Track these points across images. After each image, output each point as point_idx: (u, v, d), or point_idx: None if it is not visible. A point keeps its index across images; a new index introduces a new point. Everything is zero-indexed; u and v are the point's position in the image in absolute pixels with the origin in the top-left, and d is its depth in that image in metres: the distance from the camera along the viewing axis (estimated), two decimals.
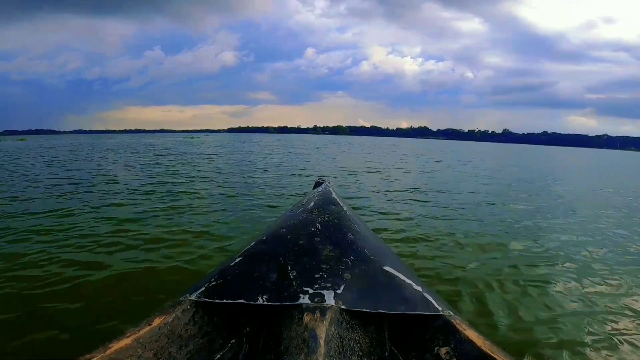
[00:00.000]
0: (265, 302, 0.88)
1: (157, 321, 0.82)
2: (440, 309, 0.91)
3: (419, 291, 0.95)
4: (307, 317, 0.81)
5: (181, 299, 0.91)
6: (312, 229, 1.13)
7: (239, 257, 1.04)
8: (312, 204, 1.31)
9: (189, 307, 0.89)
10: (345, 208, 1.33)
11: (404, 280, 0.97)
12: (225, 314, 0.94)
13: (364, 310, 0.88)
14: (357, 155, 18.12)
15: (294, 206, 1.45)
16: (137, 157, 13.67)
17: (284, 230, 1.15)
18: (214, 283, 0.94)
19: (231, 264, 1.01)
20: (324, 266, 0.97)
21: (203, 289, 0.93)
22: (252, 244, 1.11)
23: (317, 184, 1.71)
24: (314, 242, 1.07)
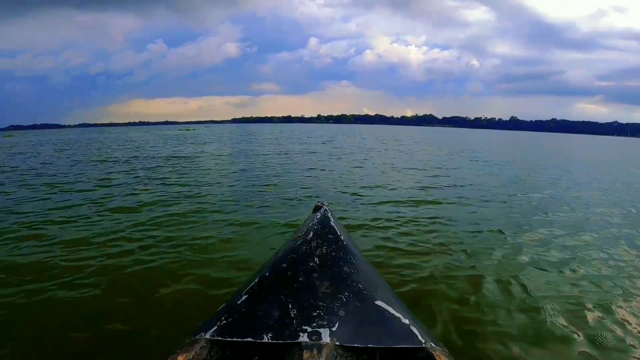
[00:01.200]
0: (269, 340, 1.00)
1: (180, 358, 0.94)
2: (423, 341, 1.01)
3: (406, 324, 1.06)
4: (305, 354, 0.93)
5: (197, 337, 1.03)
6: (311, 264, 1.24)
7: (244, 294, 1.16)
8: (310, 234, 1.40)
9: (205, 344, 1.01)
10: (342, 237, 1.42)
11: (393, 314, 1.09)
12: (235, 348, 1.05)
13: (356, 345, 1.00)
14: (383, 157, 13.07)
15: (294, 235, 1.53)
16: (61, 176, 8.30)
17: (285, 265, 1.26)
18: (224, 322, 1.06)
19: (238, 302, 1.13)
20: (321, 304, 1.09)
21: (216, 327, 1.05)
22: (256, 280, 1.22)
23: (316, 208, 1.71)
24: (311, 278, 1.18)
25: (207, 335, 1.03)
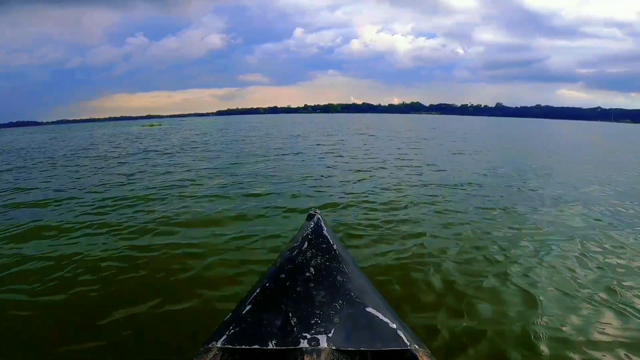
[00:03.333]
0: (274, 347, 1.11)
1: None
2: (408, 343, 1.14)
3: (393, 329, 1.19)
4: (306, 359, 1.05)
5: (210, 345, 1.14)
6: (307, 274, 1.35)
7: (248, 304, 1.27)
8: (305, 244, 1.50)
9: (217, 352, 1.12)
10: (335, 246, 1.52)
11: (382, 320, 1.21)
12: (244, 355, 1.17)
13: (350, 349, 1.12)
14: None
15: (289, 244, 1.62)
16: None
17: (283, 275, 1.37)
18: (232, 331, 1.18)
19: (243, 312, 1.25)
20: (318, 312, 1.21)
21: (225, 336, 1.16)
22: (257, 290, 1.34)
23: (310, 217, 1.75)
24: (309, 288, 1.30)
25: (219, 344, 1.14)
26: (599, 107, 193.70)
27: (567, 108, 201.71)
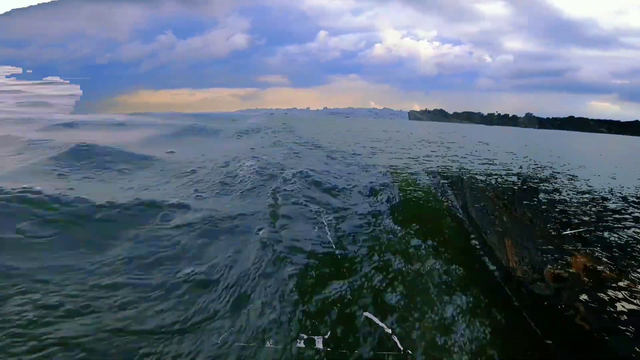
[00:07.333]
0: (272, 345, 1.23)
1: None
2: (402, 348, 1.29)
3: (389, 333, 1.35)
4: (303, 359, 1.19)
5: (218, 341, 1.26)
6: None
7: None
8: None
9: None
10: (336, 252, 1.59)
11: (378, 324, 1.38)
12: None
13: (345, 351, 1.23)
14: None
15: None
16: None
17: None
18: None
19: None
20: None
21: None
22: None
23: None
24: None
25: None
26: (636, 120, 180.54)
27: (604, 121, 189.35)
